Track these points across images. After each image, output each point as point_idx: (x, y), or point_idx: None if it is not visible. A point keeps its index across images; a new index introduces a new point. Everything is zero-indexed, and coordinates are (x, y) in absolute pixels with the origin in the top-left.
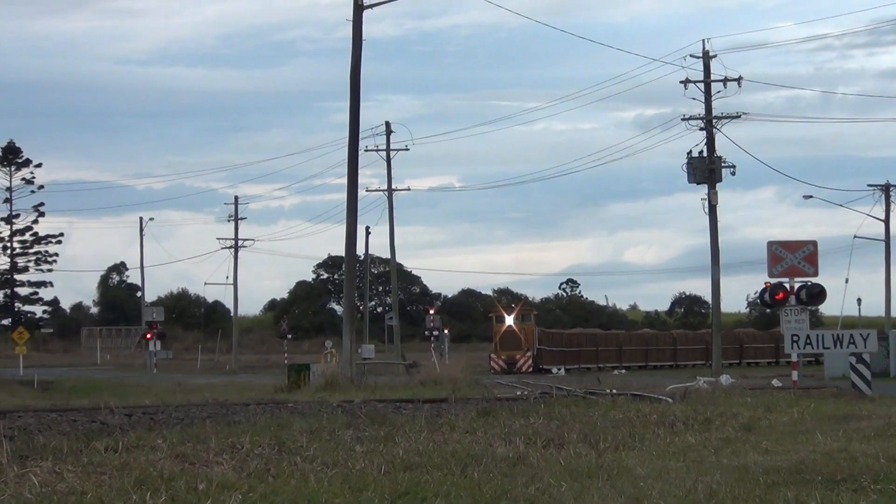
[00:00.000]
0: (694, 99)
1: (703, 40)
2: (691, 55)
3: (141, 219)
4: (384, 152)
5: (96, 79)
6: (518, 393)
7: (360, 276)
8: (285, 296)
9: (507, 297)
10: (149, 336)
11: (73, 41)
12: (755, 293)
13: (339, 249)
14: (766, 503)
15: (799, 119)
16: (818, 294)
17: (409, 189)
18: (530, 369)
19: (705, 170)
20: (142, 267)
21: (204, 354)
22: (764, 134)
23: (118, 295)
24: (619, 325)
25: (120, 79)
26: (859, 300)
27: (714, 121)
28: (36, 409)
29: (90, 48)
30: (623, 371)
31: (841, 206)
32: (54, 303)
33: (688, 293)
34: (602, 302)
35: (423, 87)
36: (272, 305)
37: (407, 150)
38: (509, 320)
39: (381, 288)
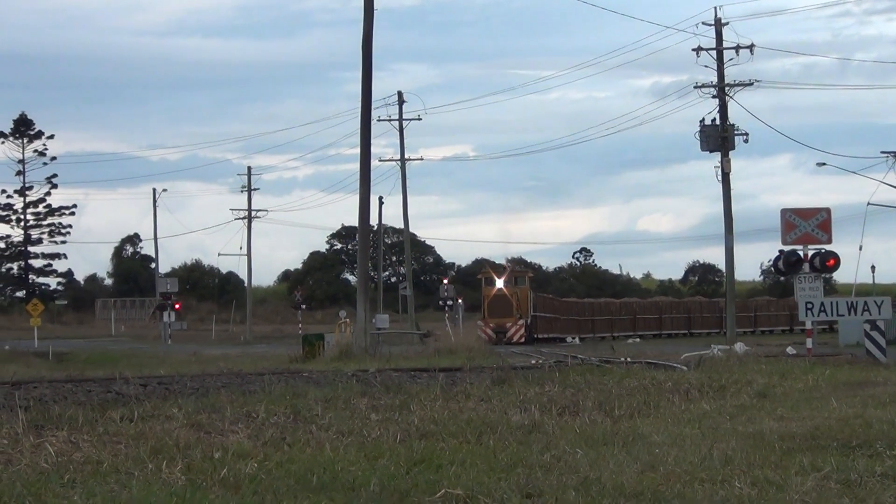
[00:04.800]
0: (707, 67)
1: (715, 7)
2: (703, 23)
3: (154, 190)
4: (397, 122)
5: (112, 50)
6: (532, 361)
7: (374, 246)
8: (299, 266)
9: (520, 266)
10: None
11: (89, 13)
12: (769, 261)
13: (353, 219)
14: (781, 469)
15: (814, 86)
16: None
17: (422, 159)
18: (522, 339)
19: (718, 138)
20: (155, 238)
21: (218, 325)
22: (780, 101)
23: (132, 266)
24: (633, 294)
25: (136, 50)
26: (873, 267)
27: (727, 88)
28: (51, 380)
29: (106, 20)
30: (637, 339)
31: (854, 173)
32: (68, 275)
33: (702, 261)
34: (616, 271)
35: (438, 57)
36: (286, 276)
37: (419, 119)
38: (500, 283)
39: (394, 258)
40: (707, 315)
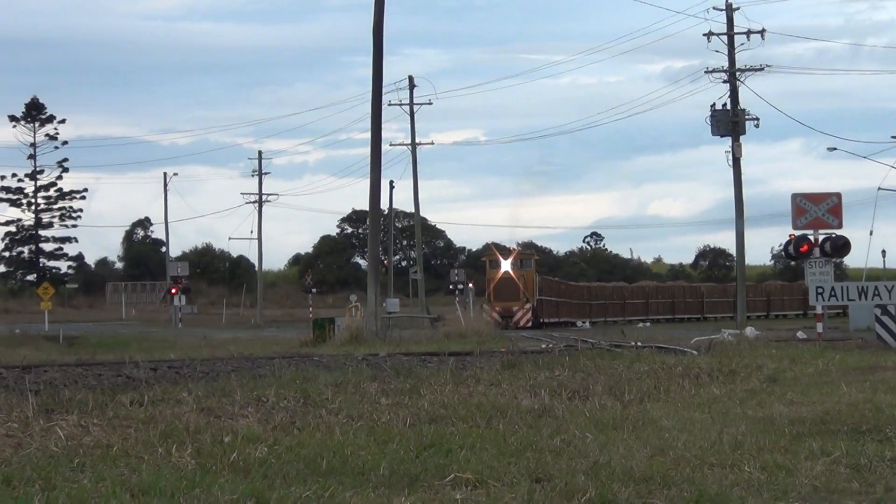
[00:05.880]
0: (718, 52)
1: None
2: (714, 8)
3: (165, 174)
4: (408, 106)
5: (123, 34)
6: (543, 346)
7: (385, 230)
8: (310, 250)
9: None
10: (174, 291)
11: None
12: (780, 245)
13: (364, 204)
14: (791, 454)
15: (826, 71)
16: (842, 246)
17: (432, 143)
18: (529, 323)
19: (729, 122)
20: (166, 222)
21: (229, 309)
22: (791, 86)
23: (143, 250)
24: (642, 279)
25: (147, 34)
26: (884, 252)
27: (738, 73)
28: (61, 364)
29: (117, 4)
30: (648, 324)
31: (865, 158)
32: (79, 258)
33: (713, 246)
34: (627, 255)
35: (449, 41)
36: (297, 260)
37: (430, 104)
38: (506, 265)
39: (405, 242)
40: (690, 300)
